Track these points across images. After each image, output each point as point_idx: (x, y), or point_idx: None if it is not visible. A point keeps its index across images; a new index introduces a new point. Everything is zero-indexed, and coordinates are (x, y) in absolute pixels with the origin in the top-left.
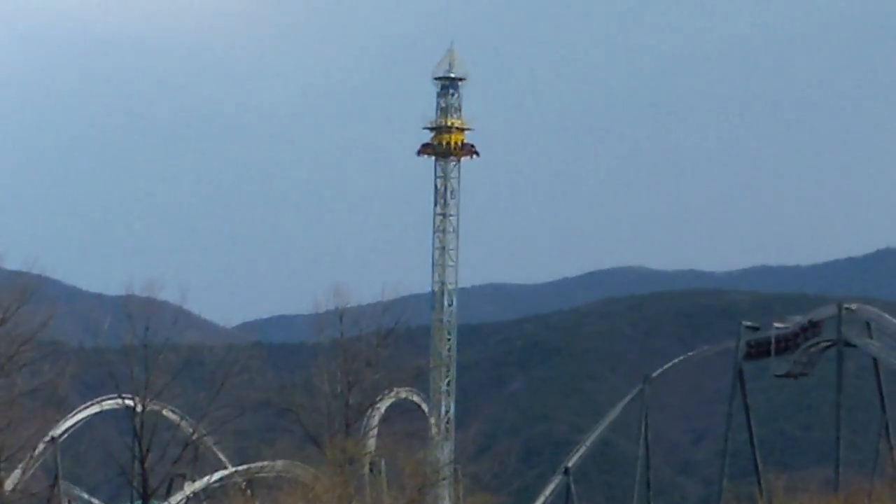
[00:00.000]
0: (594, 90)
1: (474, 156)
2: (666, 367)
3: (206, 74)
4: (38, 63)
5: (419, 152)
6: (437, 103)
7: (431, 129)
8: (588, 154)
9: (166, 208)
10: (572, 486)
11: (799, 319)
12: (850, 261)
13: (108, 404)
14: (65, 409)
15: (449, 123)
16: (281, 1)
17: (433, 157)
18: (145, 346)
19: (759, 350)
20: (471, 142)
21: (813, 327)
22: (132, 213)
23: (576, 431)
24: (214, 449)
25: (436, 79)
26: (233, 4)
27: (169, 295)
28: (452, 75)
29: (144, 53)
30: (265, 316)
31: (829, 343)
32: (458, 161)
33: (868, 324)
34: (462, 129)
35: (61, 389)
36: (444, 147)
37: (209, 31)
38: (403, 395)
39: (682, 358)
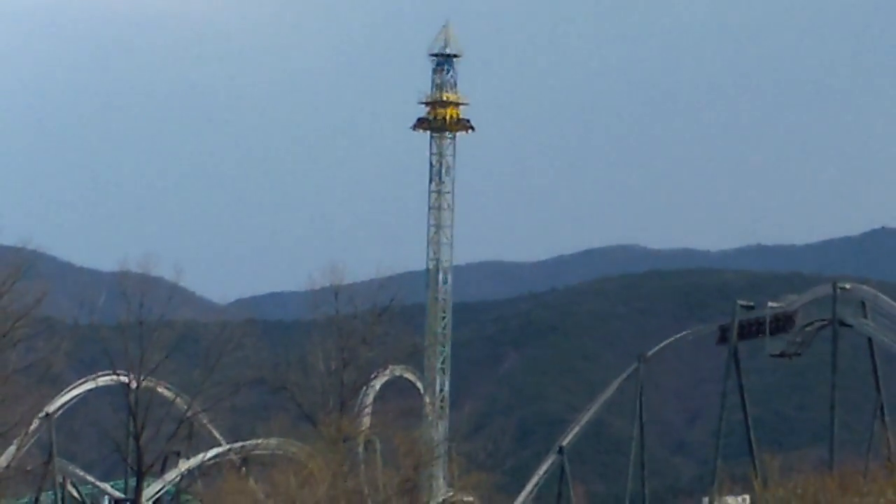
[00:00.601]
0: (590, 68)
1: (469, 131)
2: (661, 346)
3: (201, 51)
4: (31, 39)
5: (414, 127)
6: (433, 80)
7: (427, 103)
8: (584, 132)
9: (161, 185)
10: (566, 466)
11: (794, 298)
12: (846, 240)
13: (103, 381)
14: (59, 386)
15: (444, 98)
16: None
17: (428, 132)
18: (140, 322)
19: (734, 335)
20: (466, 117)
21: (787, 318)
22: (127, 189)
23: (570, 410)
24: (209, 426)
25: (431, 55)
26: None
27: (164, 271)
28: (448, 52)
29: (142, 29)
30: (260, 293)
31: (823, 323)
32: (454, 136)
33: (863, 303)
34: (457, 104)
35: (56, 366)
36: (439, 122)
37: (205, 8)
38: (398, 372)
39: (676, 337)
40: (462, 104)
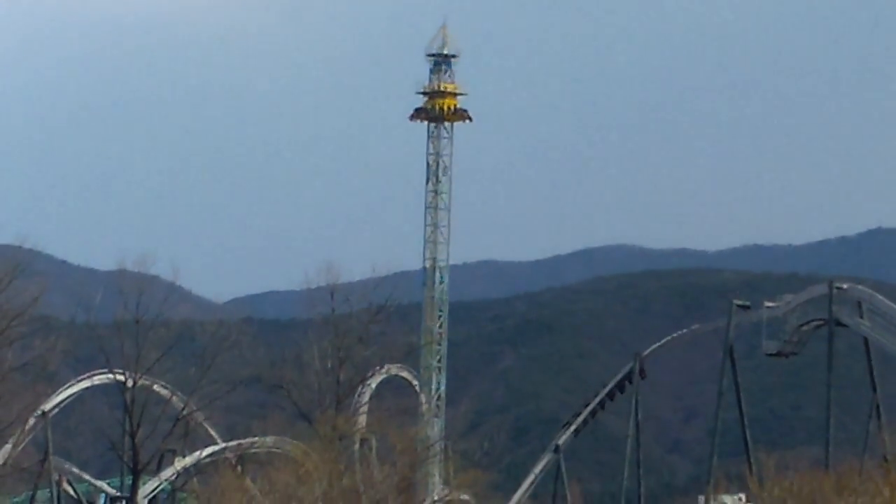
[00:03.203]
0: (588, 68)
1: (467, 121)
2: (657, 345)
3: (197, 50)
4: (28, 37)
5: (412, 117)
6: (430, 80)
7: (425, 93)
8: (581, 131)
9: (158, 183)
10: (562, 464)
11: (790, 298)
12: (842, 240)
13: (99, 379)
14: (55, 384)
15: (442, 88)
16: None
17: (426, 123)
18: (136, 321)
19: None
20: (464, 108)
21: None
22: (124, 187)
23: (566, 409)
24: (205, 424)
25: (429, 55)
26: None
27: (160, 270)
28: (445, 52)
29: (140, 28)
30: (256, 291)
31: (820, 322)
32: (451, 127)
33: (859, 303)
34: (455, 94)
35: (52, 364)
36: (437, 111)
37: (202, 8)
38: (394, 371)
39: (672, 336)
40: (460, 94)
